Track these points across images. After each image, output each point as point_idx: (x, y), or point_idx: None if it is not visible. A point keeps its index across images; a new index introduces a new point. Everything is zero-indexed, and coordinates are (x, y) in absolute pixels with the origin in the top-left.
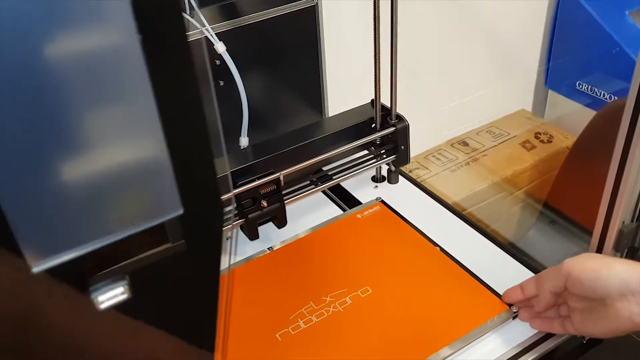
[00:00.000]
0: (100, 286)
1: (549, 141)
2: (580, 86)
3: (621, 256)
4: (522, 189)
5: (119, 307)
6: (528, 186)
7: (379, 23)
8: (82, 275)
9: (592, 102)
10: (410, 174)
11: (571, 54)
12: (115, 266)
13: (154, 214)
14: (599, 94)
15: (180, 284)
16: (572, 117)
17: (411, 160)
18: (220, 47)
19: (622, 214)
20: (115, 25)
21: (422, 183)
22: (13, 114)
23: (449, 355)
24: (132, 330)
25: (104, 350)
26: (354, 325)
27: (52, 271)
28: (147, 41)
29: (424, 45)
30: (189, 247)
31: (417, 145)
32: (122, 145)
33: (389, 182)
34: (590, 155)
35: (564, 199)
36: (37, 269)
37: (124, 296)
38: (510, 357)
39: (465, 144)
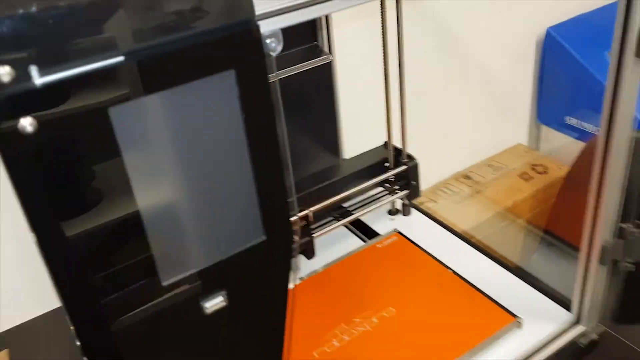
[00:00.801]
0: (207, 296)
1: (545, 172)
2: (569, 121)
3: (606, 268)
4: (523, 217)
5: (216, 315)
6: (529, 214)
7: (388, 75)
8: (194, 289)
9: (580, 135)
10: (421, 207)
11: (558, 91)
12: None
13: (244, 241)
14: (586, 128)
15: (259, 298)
16: (564, 149)
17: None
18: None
19: (603, 233)
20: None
21: (432, 214)
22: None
23: (470, 357)
24: (222, 335)
25: (202, 349)
26: (382, 341)
27: (174, 285)
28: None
29: (428, 90)
30: (269, 267)
31: (425, 179)
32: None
33: (404, 214)
34: (581, 183)
35: (561, 224)
36: (165, 283)
37: (223, 304)
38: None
39: (469, 178)
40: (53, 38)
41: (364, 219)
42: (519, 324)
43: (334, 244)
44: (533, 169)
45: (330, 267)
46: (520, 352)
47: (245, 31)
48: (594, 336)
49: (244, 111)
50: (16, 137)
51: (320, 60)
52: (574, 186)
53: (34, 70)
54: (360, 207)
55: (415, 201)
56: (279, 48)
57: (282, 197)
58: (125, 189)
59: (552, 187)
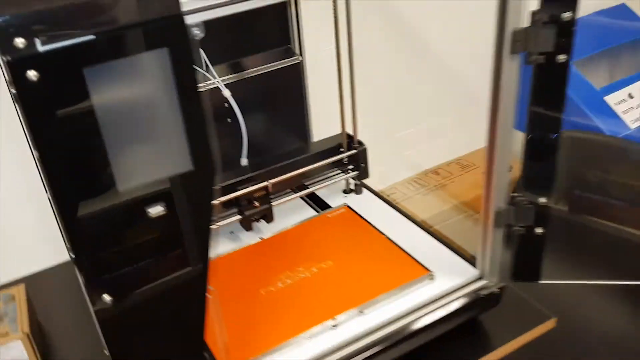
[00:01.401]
0: (152, 205)
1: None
2: None
3: (502, 231)
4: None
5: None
6: None
7: (341, 70)
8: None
9: None
10: (388, 198)
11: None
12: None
13: (180, 168)
14: None
15: (188, 213)
16: None
17: (391, 186)
18: (226, 92)
19: (496, 200)
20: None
21: (395, 203)
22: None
23: (383, 301)
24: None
25: None
26: (318, 284)
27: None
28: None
29: (411, 91)
30: (197, 191)
31: (399, 176)
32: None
33: (356, 193)
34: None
35: None
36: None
37: (163, 212)
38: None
39: (437, 173)
40: (49, 19)
41: (320, 194)
42: (432, 277)
43: (292, 213)
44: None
45: (285, 231)
46: (431, 297)
47: (176, 20)
48: (495, 290)
49: (176, 76)
50: (26, 83)
51: (291, 60)
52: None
53: (37, 41)
54: (316, 183)
55: (373, 186)
56: (202, 34)
57: (205, 140)
58: (93, 124)
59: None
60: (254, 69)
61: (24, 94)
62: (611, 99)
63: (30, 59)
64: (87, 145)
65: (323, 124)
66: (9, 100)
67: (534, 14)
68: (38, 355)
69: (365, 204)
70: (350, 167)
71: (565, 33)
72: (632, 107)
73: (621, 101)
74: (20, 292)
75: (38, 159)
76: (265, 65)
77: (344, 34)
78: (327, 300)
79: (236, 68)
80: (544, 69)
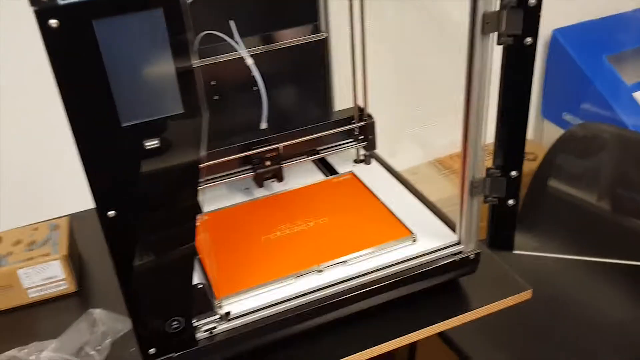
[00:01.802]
0: (148, 139)
1: (534, 159)
2: (566, 117)
3: (477, 200)
4: None
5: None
6: None
7: (354, 48)
8: (140, 132)
9: None
10: (398, 172)
11: (559, 89)
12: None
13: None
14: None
15: (179, 151)
16: None
17: (418, 167)
18: (249, 61)
19: (470, 172)
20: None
21: (405, 179)
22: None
23: (366, 255)
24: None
25: None
26: (313, 235)
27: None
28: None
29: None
30: (186, 131)
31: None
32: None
33: (365, 163)
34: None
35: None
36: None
37: (157, 145)
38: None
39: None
40: None
41: (331, 161)
42: (414, 238)
43: (303, 176)
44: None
45: (291, 190)
46: (410, 256)
47: None
48: (470, 255)
49: (169, 33)
50: (49, 29)
51: (316, 36)
52: (542, 170)
53: None
54: (327, 149)
55: (403, 170)
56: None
57: (193, 88)
58: (101, 67)
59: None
60: (281, 42)
61: (47, 38)
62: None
63: (52, 10)
64: (96, 83)
65: (348, 98)
66: None
67: None
68: (73, 276)
69: (371, 173)
70: (360, 137)
71: (532, 17)
72: None
73: None
74: (64, 222)
75: (60, 94)
76: (292, 40)
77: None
78: (317, 249)
79: (265, 41)
80: (513, 50)
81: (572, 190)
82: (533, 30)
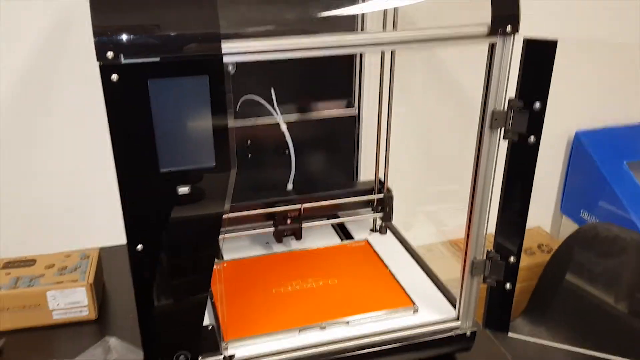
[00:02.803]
0: (181, 185)
1: (549, 252)
2: (583, 214)
3: (476, 280)
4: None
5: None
6: (521, 284)
7: (380, 126)
8: (174, 180)
9: None
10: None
11: (579, 187)
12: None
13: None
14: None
15: (208, 200)
16: None
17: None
18: (283, 127)
19: (472, 252)
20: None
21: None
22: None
23: (368, 318)
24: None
25: None
26: (319, 294)
27: (166, 173)
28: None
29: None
30: (217, 183)
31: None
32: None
33: (380, 233)
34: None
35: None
36: (163, 170)
37: (187, 192)
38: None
39: (457, 244)
40: (131, 42)
41: (349, 227)
42: (416, 309)
43: (320, 238)
44: (539, 247)
45: (308, 250)
46: (409, 326)
47: (215, 57)
48: (467, 332)
49: (211, 96)
50: (110, 83)
51: (348, 111)
52: (555, 262)
53: (121, 56)
54: (345, 216)
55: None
56: (233, 70)
57: (226, 145)
58: (149, 120)
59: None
60: (315, 113)
61: (107, 90)
62: None
63: (115, 66)
64: (143, 132)
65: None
66: None
67: (510, 100)
68: (95, 304)
69: (385, 243)
70: (379, 208)
71: (536, 119)
72: None
73: None
74: (94, 253)
75: (111, 139)
76: (326, 111)
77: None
78: (323, 307)
79: (300, 110)
80: (517, 146)
81: (584, 285)
82: (537, 131)
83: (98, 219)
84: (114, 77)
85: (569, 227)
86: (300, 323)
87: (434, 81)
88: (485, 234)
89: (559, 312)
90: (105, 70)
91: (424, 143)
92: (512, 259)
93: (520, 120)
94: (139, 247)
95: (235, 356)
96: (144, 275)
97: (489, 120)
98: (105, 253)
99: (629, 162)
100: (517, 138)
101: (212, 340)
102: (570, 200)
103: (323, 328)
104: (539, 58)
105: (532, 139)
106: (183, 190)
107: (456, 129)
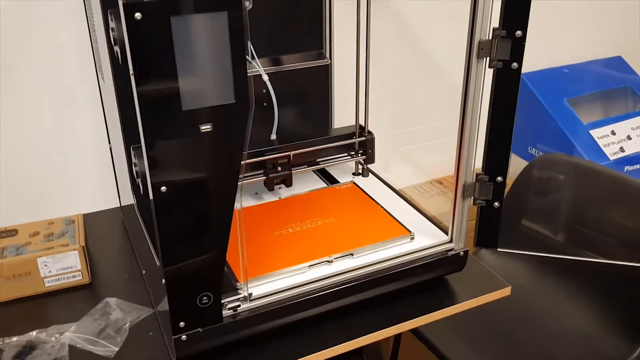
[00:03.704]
0: (203, 124)
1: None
2: (531, 150)
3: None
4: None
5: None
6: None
7: (359, 72)
8: (197, 118)
9: None
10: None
11: (525, 126)
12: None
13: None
14: None
15: (228, 136)
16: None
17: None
18: (265, 77)
19: (463, 177)
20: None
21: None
22: None
23: (371, 249)
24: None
25: None
26: (320, 233)
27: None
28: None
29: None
30: (237, 118)
31: (405, 181)
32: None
33: (363, 176)
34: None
35: None
36: (185, 108)
37: (210, 130)
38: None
39: (441, 183)
40: None
41: (333, 173)
42: (412, 237)
43: (307, 183)
44: None
45: (300, 194)
46: (409, 251)
47: None
48: (460, 252)
49: (230, 32)
50: (133, 21)
51: (321, 62)
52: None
53: None
54: (331, 161)
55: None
56: (250, 5)
57: (245, 82)
58: (171, 55)
59: None
60: (289, 65)
61: (131, 29)
62: (596, 133)
63: (138, 5)
64: (166, 71)
65: (344, 118)
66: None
67: (494, 30)
68: (88, 268)
69: (370, 185)
70: (360, 151)
71: (518, 46)
72: (613, 142)
73: (604, 136)
74: (79, 218)
75: (134, 78)
76: (299, 64)
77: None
78: (327, 244)
79: (275, 63)
80: (501, 73)
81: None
82: (519, 57)
83: (71, 187)
84: (137, 15)
85: (518, 164)
86: (308, 259)
87: (408, 29)
88: (475, 159)
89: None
90: (129, 9)
91: (401, 87)
92: (499, 178)
93: (504, 48)
94: (163, 188)
95: (253, 294)
96: (168, 218)
97: (475, 50)
98: (86, 219)
99: (569, 99)
100: (501, 65)
101: (229, 282)
102: (518, 138)
103: (330, 262)
104: None
105: (515, 65)
106: (205, 127)
107: (431, 71)
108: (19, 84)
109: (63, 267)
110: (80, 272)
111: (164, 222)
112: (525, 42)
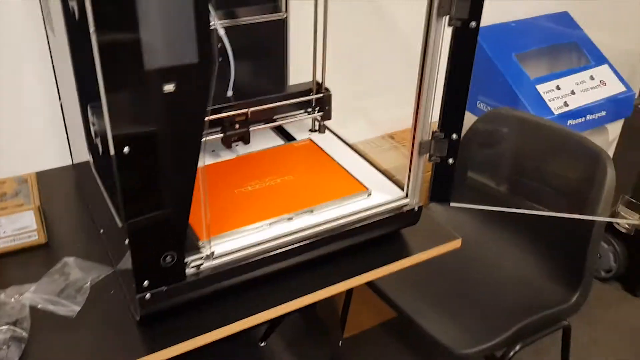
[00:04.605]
0: (166, 83)
1: None
2: (479, 105)
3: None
4: None
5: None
6: None
7: (317, 29)
8: (158, 76)
9: None
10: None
11: (473, 80)
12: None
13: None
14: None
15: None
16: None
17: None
18: (221, 31)
19: (420, 134)
20: None
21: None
22: None
23: (330, 206)
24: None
25: None
26: (280, 190)
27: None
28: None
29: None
30: (199, 78)
31: (360, 135)
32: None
33: (319, 132)
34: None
35: None
36: (148, 68)
37: (172, 90)
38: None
39: (393, 138)
40: None
41: (290, 130)
42: (369, 193)
43: (265, 141)
44: None
45: (257, 152)
46: (366, 207)
47: None
48: (415, 207)
49: None
50: None
51: (276, 15)
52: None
53: None
54: (289, 118)
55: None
56: None
57: (208, 40)
58: (135, 19)
59: None
60: (244, 18)
61: None
62: (541, 88)
63: None
64: (127, 28)
65: (300, 74)
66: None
67: None
68: (44, 228)
69: (326, 141)
70: (317, 108)
71: (476, 5)
72: (558, 97)
73: (549, 91)
74: (32, 177)
75: (95, 35)
76: (254, 17)
77: None
78: (287, 201)
79: (229, 16)
80: (460, 32)
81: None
82: (477, 16)
83: (22, 144)
84: None
85: (467, 117)
86: (268, 217)
87: None
88: (431, 118)
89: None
90: None
91: (359, 43)
92: (454, 136)
93: (463, 6)
94: (126, 149)
95: (215, 252)
96: (130, 179)
97: (436, 7)
98: (39, 178)
99: (517, 54)
100: (460, 24)
101: (192, 240)
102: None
103: (290, 219)
104: None
105: (473, 24)
106: (168, 88)
107: (390, 27)
108: None
109: (18, 227)
110: (36, 232)
111: (127, 182)
112: (484, 0)
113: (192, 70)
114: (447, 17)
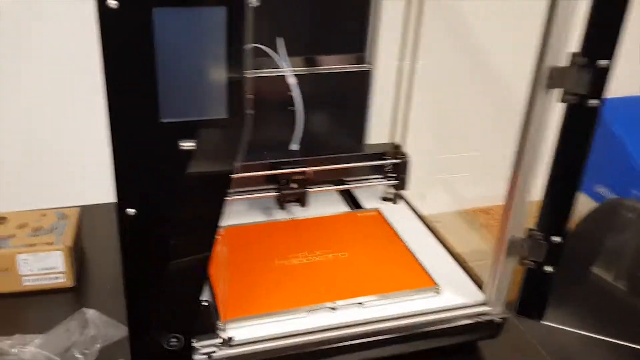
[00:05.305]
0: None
1: None
2: (599, 189)
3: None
4: None
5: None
6: None
7: (400, 86)
8: (176, 131)
9: None
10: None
11: (593, 162)
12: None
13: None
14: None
15: (217, 155)
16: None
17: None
18: (291, 80)
19: (511, 230)
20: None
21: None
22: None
23: (384, 300)
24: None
25: None
26: (328, 269)
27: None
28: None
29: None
30: (228, 137)
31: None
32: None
33: (393, 203)
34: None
35: None
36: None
37: (193, 148)
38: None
39: (487, 213)
40: None
41: (359, 196)
42: (437, 290)
43: (327, 205)
44: None
45: (314, 217)
46: (431, 310)
47: None
48: (496, 318)
49: (228, 33)
50: (107, 9)
51: (360, 67)
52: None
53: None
54: (355, 182)
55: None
56: (257, 3)
57: (242, 94)
58: (151, 56)
59: None
60: (324, 67)
61: (103, 19)
62: None
63: None
64: (143, 72)
65: (377, 133)
66: None
67: (573, 55)
68: (73, 270)
69: (398, 214)
70: (392, 175)
71: (600, 79)
72: None
73: None
74: (73, 213)
75: (105, 79)
76: (335, 66)
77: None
78: (333, 285)
79: (309, 63)
80: (575, 110)
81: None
82: (599, 93)
83: (81, 173)
84: (112, 3)
85: (584, 203)
86: (307, 302)
87: (460, 36)
88: (527, 211)
89: (571, 296)
90: None
91: (445, 105)
92: (556, 239)
93: (582, 79)
94: (131, 211)
95: (234, 339)
96: (134, 245)
97: (545, 78)
98: (87, 212)
99: None
100: (576, 101)
101: (208, 320)
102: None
103: (333, 309)
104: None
105: (593, 102)
106: (187, 144)
107: (484, 91)
108: (22, 70)
109: (45, 266)
110: (63, 274)
111: (129, 249)
112: (610, 74)
113: (217, 128)
114: (560, 90)
